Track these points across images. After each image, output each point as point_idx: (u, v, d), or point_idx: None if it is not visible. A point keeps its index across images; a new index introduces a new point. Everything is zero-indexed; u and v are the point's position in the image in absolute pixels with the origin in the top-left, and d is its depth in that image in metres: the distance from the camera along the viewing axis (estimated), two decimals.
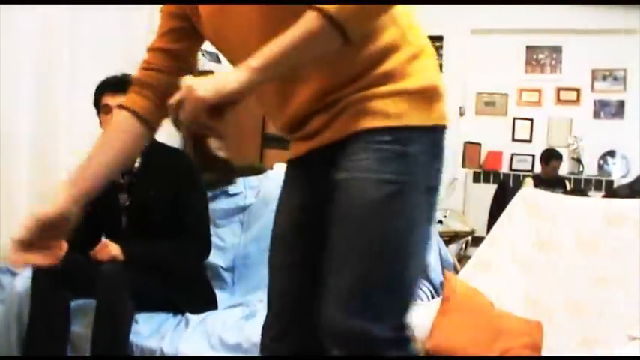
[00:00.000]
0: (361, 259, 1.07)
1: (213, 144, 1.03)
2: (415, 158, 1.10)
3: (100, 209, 2.23)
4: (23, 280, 2.37)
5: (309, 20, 1.01)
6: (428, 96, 1.13)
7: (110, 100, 2.24)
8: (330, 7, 1.00)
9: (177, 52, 1.31)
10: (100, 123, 2.34)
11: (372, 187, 1.07)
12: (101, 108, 2.30)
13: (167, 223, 2.30)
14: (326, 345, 1.10)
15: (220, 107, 1.00)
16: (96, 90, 2.33)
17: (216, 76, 1.02)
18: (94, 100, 2.34)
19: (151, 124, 1.30)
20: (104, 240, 2.26)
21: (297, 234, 1.25)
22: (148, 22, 3.55)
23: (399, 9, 1.13)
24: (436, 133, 1.15)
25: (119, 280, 2.06)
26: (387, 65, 1.12)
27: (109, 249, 2.18)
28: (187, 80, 1.01)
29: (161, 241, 2.28)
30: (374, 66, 1.11)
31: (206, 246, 2.38)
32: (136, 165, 2.37)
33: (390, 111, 1.10)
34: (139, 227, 2.31)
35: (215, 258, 2.63)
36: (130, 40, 3.46)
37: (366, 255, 1.07)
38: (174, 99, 1.01)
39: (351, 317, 1.05)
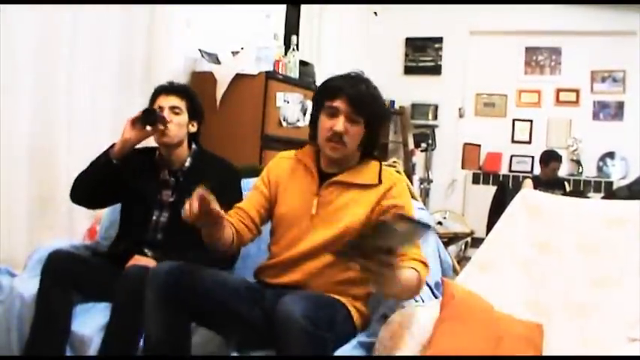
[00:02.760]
0: None
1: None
2: None
3: (143, 203, 2.43)
4: (23, 281, 2.37)
5: None
6: None
7: (163, 101, 2.46)
8: None
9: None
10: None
11: None
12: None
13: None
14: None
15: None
16: (153, 93, 2.53)
17: None
18: (149, 102, 2.51)
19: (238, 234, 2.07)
20: (136, 257, 2.30)
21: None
22: (148, 21, 3.56)
23: None
24: None
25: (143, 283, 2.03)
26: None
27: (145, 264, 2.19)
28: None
29: (191, 252, 2.10)
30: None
31: (232, 259, 2.33)
32: (186, 165, 2.47)
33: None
34: (179, 224, 2.23)
35: None
36: (130, 40, 3.47)
37: None
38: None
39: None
